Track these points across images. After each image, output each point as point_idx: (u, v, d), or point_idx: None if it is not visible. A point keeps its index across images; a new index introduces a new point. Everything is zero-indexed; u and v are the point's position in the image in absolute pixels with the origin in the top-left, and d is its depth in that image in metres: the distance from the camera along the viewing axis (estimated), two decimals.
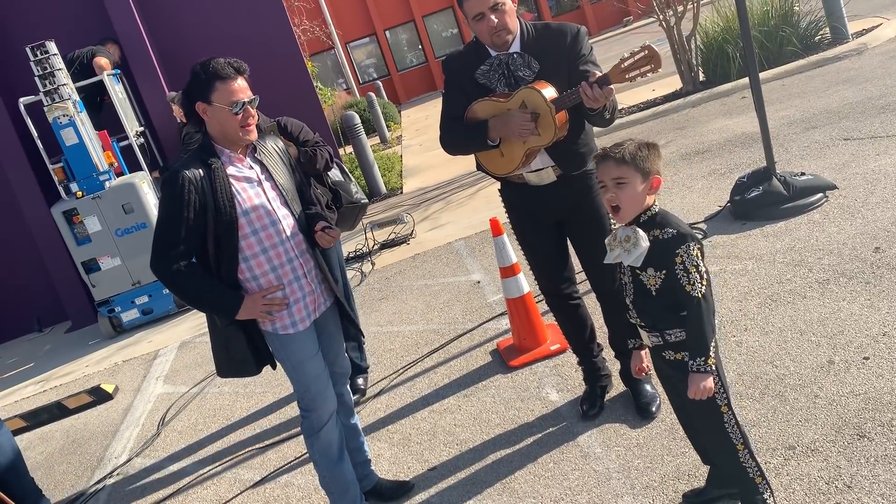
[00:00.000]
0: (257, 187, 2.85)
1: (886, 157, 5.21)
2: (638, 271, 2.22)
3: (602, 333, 3.59)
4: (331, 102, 16.20)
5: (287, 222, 2.88)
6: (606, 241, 2.36)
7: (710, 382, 2.11)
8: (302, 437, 4.03)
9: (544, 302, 4.60)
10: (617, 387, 3.53)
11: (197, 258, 2.81)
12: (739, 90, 8.95)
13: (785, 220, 4.79)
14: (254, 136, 2.84)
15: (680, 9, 9.48)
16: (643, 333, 2.30)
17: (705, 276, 2.13)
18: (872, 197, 4.65)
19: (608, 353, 3.60)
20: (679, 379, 2.23)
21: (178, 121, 7.34)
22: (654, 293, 2.19)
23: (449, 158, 10.79)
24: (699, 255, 2.13)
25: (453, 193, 8.46)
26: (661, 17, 9.61)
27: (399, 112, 20.32)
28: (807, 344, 3.38)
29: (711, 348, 2.12)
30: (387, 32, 27.88)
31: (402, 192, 9.68)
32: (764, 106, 4.99)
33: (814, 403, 2.98)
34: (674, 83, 10.07)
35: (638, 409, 3.30)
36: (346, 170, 4.07)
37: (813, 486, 2.58)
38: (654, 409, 3.26)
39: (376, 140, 15.35)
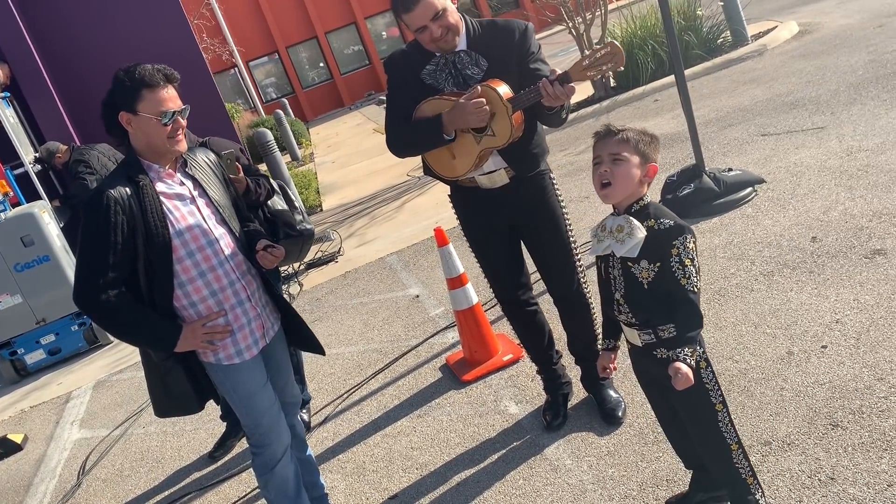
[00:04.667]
0: (191, 205, 2.60)
1: (805, 151, 5.36)
2: (630, 263, 2.10)
3: (559, 340, 3.48)
4: (237, 119, 15.69)
5: (225, 242, 2.64)
6: (592, 231, 2.24)
7: (690, 374, 1.98)
8: (243, 475, 3.76)
9: (492, 311, 4.49)
10: (577, 394, 3.42)
11: (126, 286, 2.52)
12: (650, 94, 9.15)
13: (719, 215, 4.84)
14: (183, 146, 2.58)
15: (588, 16, 9.63)
16: (633, 332, 2.18)
17: (699, 269, 2.04)
18: (799, 189, 4.75)
19: (567, 360, 3.48)
20: (669, 379, 2.12)
21: (59, 166, 6.96)
22: (645, 286, 2.08)
23: (367, 173, 10.58)
24: (694, 248, 2.03)
25: (377, 208, 8.25)
26: (570, 24, 9.73)
27: (307, 129, 19.94)
28: (763, 336, 3.36)
29: (697, 344, 2.02)
30: (289, 50, 27.42)
31: (321, 210, 9.40)
32: (691, 103, 5.04)
33: (781, 396, 2.94)
34: (586, 90, 10.23)
35: (603, 416, 3.19)
36: (292, 195, 3.72)
37: (796, 480, 2.52)
38: (620, 414, 3.16)
39: (287, 158, 14.97)
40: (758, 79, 7.98)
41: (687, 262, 2.00)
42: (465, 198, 3.08)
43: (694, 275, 2.01)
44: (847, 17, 9.38)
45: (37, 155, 7.36)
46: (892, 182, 4.34)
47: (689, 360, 2.00)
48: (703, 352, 2.14)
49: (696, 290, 2.01)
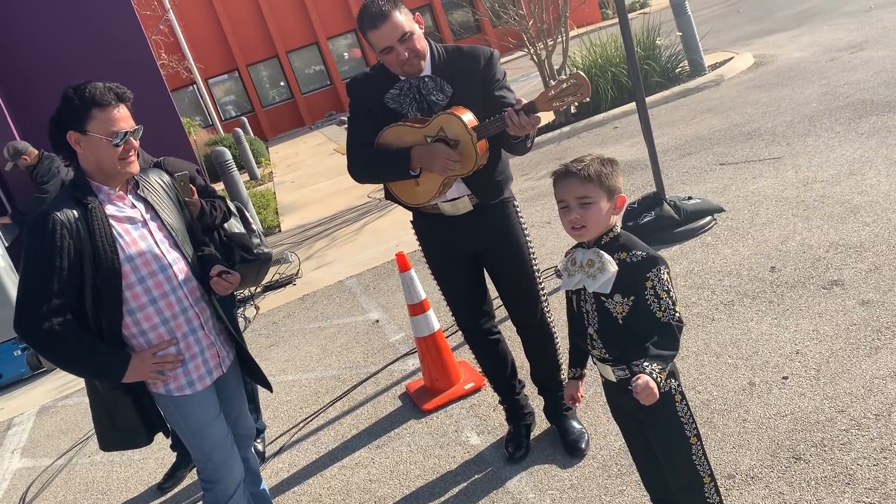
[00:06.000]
0: (142, 228, 2.49)
1: (763, 180, 5.44)
2: (604, 298, 2.04)
3: (522, 368, 3.42)
4: (194, 136, 15.46)
5: (178, 267, 2.53)
6: (561, 265, 2.18)
7: (656, 390, 1.88)
8: None
9: (453, 337, 4.42)
10: (540, 424, 3.36)
11: (71, 313, 2.39)
12: (610, 121, 9.25)
13: (679, 243, 4.86)
14: (135, 168, 2.48)
15: (550, 42, 9.72)
16: (606, 368, 2.12)
17: (676, 299, 1.98)
18: (758, 218, 4.80)
19: (529, 390, 3.43)
20: (646, 412, 2.07)
21: (21, 168, 6.72)
22: (620, 322, 2.03)
23: (327, 194, 10.47)
24: (668, 278, 1.99)
25: (337, 230, 8.15)
26: (532, 50, 9.81)
27: (266, 148, 19.75)
28: (724, 367, 3.36)
29: (668, 367, 1.95)
30: (249, 68, 27.22)
31: (280, 231, 9.26)
32: (652, 132, 5.08)
33: (744, 428, 2.92)
34: (546, 116, 10.30)
35: (566, 448, 3.14)
36: (249, 217, 3.61)
37: None
38: (583, 446, 3.10)
39: (246, 177, 14.77)
40: (715, 108, 8.12)
41: (662, 294, 1.95)
42: (428, 224, 3.03)
43: (670, 306, 1.95)
44: (800, 50, 9.64)
45: None
46: (847, 213, 4.41)
47: (654, 375, 1.90)
48: (679, 385, 2.10)
49: (674, 320, 1.95)
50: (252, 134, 20.24)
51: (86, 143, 2.39)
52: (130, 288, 2.42)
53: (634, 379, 1.85)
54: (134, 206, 2.51)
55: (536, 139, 9.40)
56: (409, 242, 6.55)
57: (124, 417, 2.53)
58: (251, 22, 26.61)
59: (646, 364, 1.89)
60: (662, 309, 1.94)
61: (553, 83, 2.58)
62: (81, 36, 7.62)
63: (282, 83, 27.74)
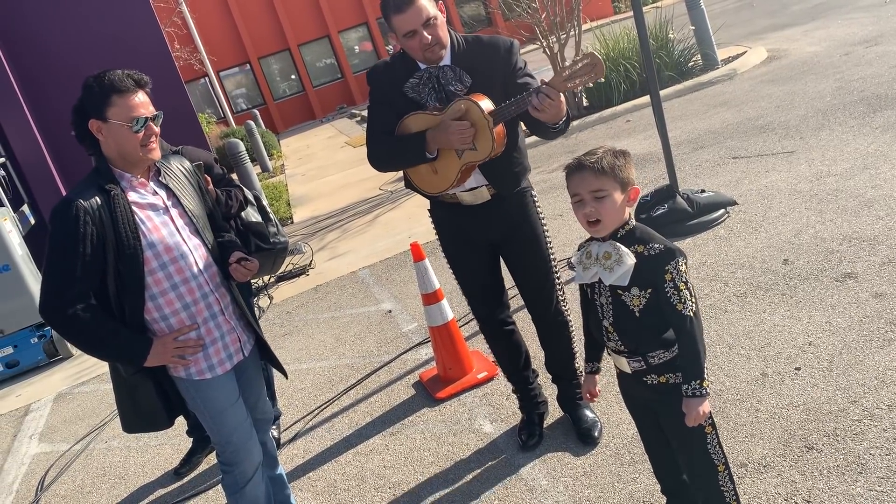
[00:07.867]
0: (164, 215, 2.53)
1: (775, 174, 5.44)
2: (620, 291, 2.06)
3: (535, 358, 3.45)
4: (207, 130, 15.53)
5: (199, 253, 2.57)
6: (575, 259, 2.19)
7: (707, 406, 1.98)
8: (210, 492, 3.66)
9: (466, 327, 4.46)
10: (553, 413, 3.40)
11: (95, 298, 2.44)
12: (622, 114, 9.25)
13: (692, 236, 4.87)
14: (157, 154, 2.52)
15: (563, 35, 9.71)
16: (621, 360, 2.15)
17: (694, 291, 2.01)
18: (771, 211, 4.81)
19: (543, 378, 3.46)
20: (662, 402, 2.10)
21: None
22: (637, 314, 2.05)
23: (339, 186, 10.52)
24: (686, 269, 2.01)
25: (349, 221, 8.19)
26: (544, 43, 9.81)
27: (278, 141, 19.82)
28: (737, 358, 3.38)
29: (706, 370, 2.00)
30: (261, 61, 27.28)
31: (292, 222, 9.31)
32: (665, 124, 5.09)
33: (756, 418, 2.95)
34: None
35: (580, 436, 3.17)
36: (266, 207, 3.65)
37: (772, 503, 2.52)
38: (596, 434, 3.13)
39: (258, 169, 14.84)
40: (728, 102, 8.10)
41: (681, 286, 1.97)
42: (445, 213, 3.05)
43: (689, 298, 1.98)
44: (814, 44, 9.60)
45: (0, 160, 7.16)
46: (860, 207, 4.41)
47: (700, 392, 1.98)
48: None
49: (693, 313, 1.98)
50: (263, 126, 20.31)
51: (107, 131, 2.43)
52: (152, 274, 2.46)
53: (685, 407, 2.00)
54: (156, 193, 2.55)
55: None
56: (421, 234, 6.59)
57: (146, 400, 2.58)
58: (263, 15, 26.66)
59: (687, 387, 1.99)
60: (682, 301, 1.97)
61: (568, 63, 2.61)
62: (98, 26, 7.68)
63: (293, 76, 27.79)
